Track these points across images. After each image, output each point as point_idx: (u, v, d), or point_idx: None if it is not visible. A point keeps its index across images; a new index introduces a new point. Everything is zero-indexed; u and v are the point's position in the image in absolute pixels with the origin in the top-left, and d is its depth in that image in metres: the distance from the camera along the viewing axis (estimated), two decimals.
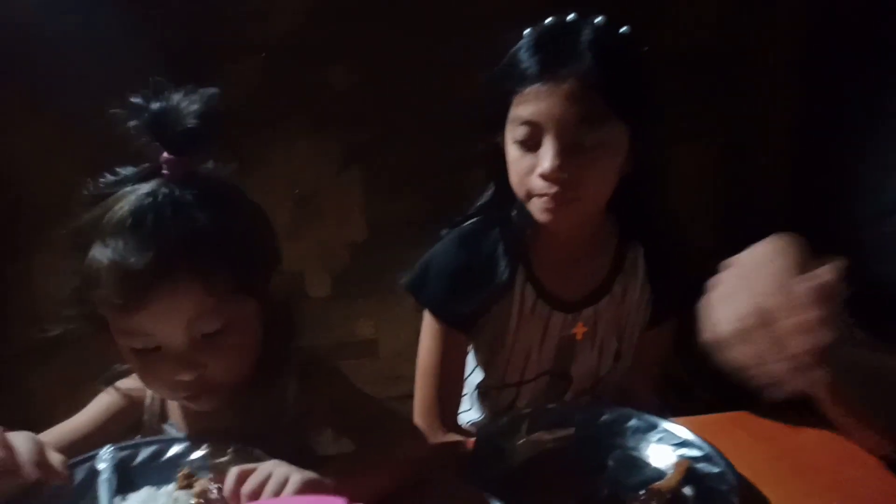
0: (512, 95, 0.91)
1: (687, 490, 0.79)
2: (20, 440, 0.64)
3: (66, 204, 1.36)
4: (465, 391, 1.16)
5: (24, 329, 1.40)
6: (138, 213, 0.67)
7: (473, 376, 1.17)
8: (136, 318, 0.68)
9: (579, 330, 1.06)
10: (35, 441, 0.65)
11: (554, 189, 0.89)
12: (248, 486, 0.64)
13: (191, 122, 0.69)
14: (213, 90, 0.71)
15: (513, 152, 0.93)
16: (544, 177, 0.89)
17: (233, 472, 0.65)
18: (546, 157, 0.88)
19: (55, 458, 0.65)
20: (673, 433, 0.88)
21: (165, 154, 0.71)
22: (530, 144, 0.90)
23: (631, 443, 0.89)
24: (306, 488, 0.65)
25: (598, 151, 0.89)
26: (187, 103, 0.69)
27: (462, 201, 1.32)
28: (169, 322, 0.69)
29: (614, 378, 1.12)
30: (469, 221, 1.07)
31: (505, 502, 0.72)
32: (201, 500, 0.70)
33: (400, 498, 0.59)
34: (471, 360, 1.15)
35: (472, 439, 0.95)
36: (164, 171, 0.71)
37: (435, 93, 1.47)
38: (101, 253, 0.68)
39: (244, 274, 0.72)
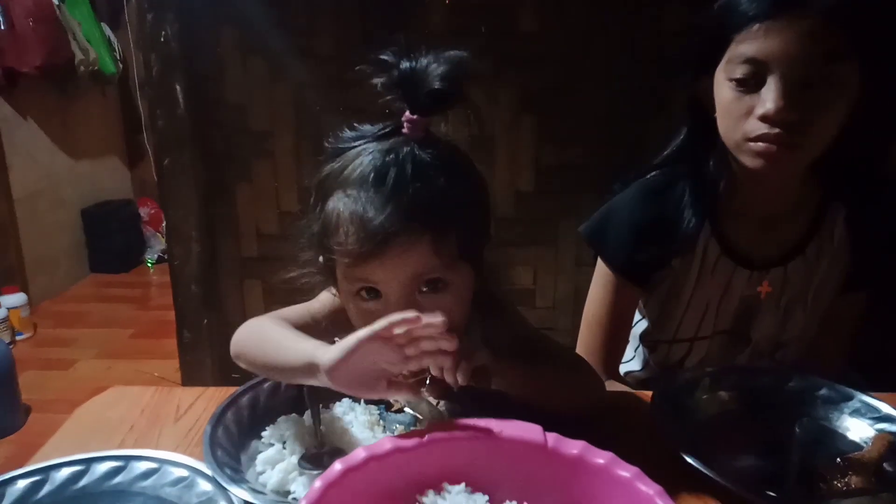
0: (735, 32, 0.84)
1: (888, 465, 0.75)
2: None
3: (269, 140, 1.50)
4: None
5: (228, 247, 1.57)
6: (380, 168, 0.69)
7: (637, 327, 1.15)
8: (367, 267, 0.70)
9: (764, 289, 1.01)
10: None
11: (775, 132, 0.83)
12: None
13: (437, 84, 0.68)
14: (462, 53, 0.70)
15: (727, 93, 0.87)
16: (767, 118, 0.82)
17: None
18: (770, 97, 0.82)
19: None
20: (871, 406, 0.83)
21: (408, 113, 0.71)
22: (751, 84, 0.84)
23: (821, 412, 0.85)
24: (483, 353, 0.70)
25: (827, 94, 0.82)
26: (436, 65, 0.69)
27: (636, 152, 1.27)
28: (396, 274, 0.70)
29: (797, 344, 1.06)
30: (653, 173, 1.04)
31: (690, 455, 0.71)
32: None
33: (587, 439, 0.62)
34: (637, 311, 1.13)
35: (640, 391, 0.95)
36: (405, 131, 0.72)
37: (622, 36, 1.42)
38: (343, 203, 0.70)
39: (468, 239, 0.73)
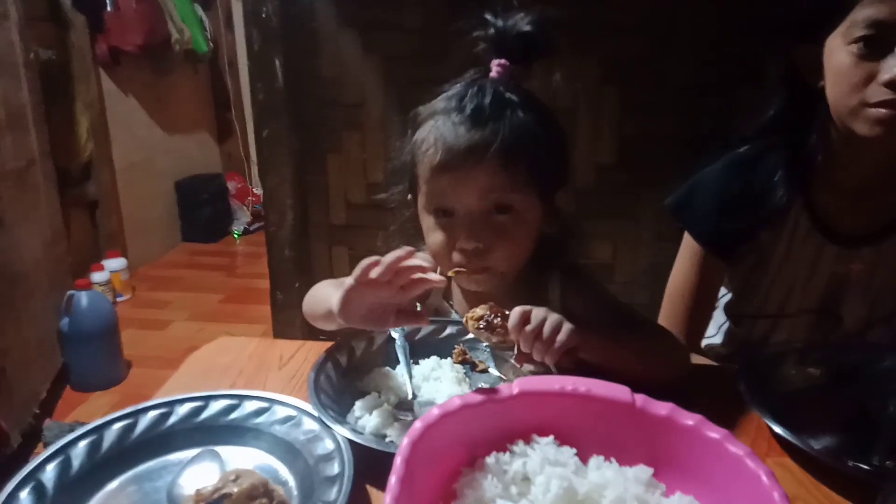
0: None
1: None
2: None
3: (359, 112, 1.55)
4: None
5: (318, 215, 1.65)
6: (463, 96, 0.80)
7: (722, 301, 1.14)
8: (445, 180, 0.80)
9: (856, 267, 0.98)
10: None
11: None
12: (531, 325, 0.71)
13: (526, 26, 0.79)
14: (553, 11, 0.80)
15: (845, 59, 0.85)
16: (894, 84, 0.81)
17: (517, 311, 0.72)
18: None
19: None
20: None
21: (496, 59, 0.81)
22: (873, 49, 0.83)
23: None
24: (573, 335, 0.72)
25: None
26: (524, 14, 0.80)
27: (721, 124, 1.25)
28: (468, 188, 0.80)
29: (889, 325, 1.03)
30: (744, 146, 1.02)
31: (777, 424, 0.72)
32: (480, 324, 0.73)
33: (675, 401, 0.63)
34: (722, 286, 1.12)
35: (724, 364, 0.95)
36: (493, 74, 0.82)
37: (711, 3, 1.38)
38: (429, 129, 0.82)
39: (539, 173, 0.81)
